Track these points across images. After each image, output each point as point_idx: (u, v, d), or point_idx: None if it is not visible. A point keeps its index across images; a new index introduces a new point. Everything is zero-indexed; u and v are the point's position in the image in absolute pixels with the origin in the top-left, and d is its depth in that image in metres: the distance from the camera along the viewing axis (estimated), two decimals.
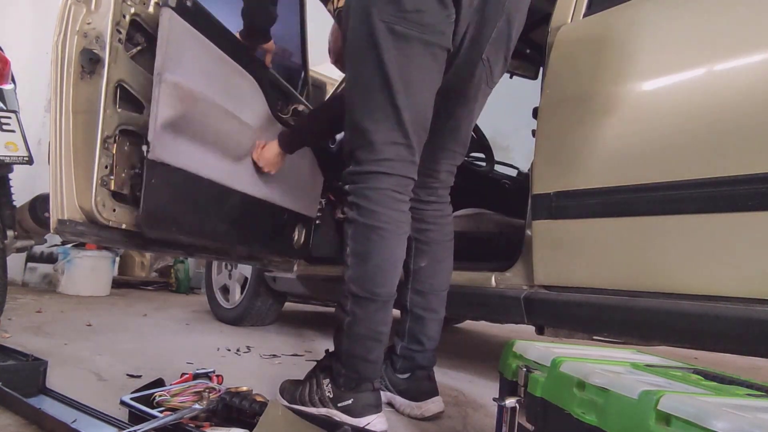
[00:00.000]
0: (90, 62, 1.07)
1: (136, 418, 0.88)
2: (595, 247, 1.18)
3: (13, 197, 1.82)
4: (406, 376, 1.22)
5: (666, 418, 0.51)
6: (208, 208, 1.35)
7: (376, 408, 1.04)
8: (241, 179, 1.46)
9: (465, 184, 1.57)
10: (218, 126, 1.32)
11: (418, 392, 1.19)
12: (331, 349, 1.11)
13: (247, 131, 1.44)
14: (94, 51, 1.07)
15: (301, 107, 1.76)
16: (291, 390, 1.14)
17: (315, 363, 1.18)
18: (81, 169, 1.08)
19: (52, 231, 1.08)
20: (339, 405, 1.03)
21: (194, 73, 1.20)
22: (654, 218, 1.07)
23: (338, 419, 1.01)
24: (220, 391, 0.96)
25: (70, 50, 1.07)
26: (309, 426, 0.85)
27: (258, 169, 1.54)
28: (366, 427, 0.99)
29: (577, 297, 1.20)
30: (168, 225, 1.22)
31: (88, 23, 1.09)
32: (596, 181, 1.17)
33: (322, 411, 1.06)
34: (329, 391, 1.06)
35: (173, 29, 1.11)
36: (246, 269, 2.27)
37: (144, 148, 1.11)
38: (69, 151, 1.07)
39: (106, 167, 1.11)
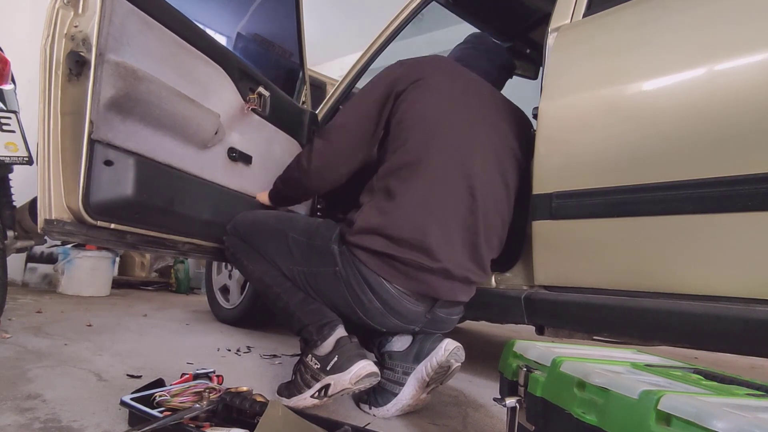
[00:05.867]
0: (77, 64, 1.08)
1: (137, 418, 0.89)
2: (595, 247, 1.18)
3: (13, 197, 1.82)
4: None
5: (666, 418, 0.51)
6: (169, 196, 1.29)
7: (359, 356, 1.09)
8: (211, 169, 1.42)
9: None
10: (173, 109, 1.26)
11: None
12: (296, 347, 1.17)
13: (212, 118, 1.40)
14: (81, 53, 1.08)
15: (266, 91, 1.64)
16: (286, 387, 1.16)
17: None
18: (69, 170, 1.08)
19: (39, 230, 1.09)
20: (328, 368, 1.08)
21: (140, 54, 1.17)
22: (654, 218, 1.07)
23: (333, 383, 1.07)
24: (220, 391, 0.96)
25: (58, 53, 1.08)
26: (309, 426, 0.85)
27: (234, 162, 1.53)
28: (357, 371, 1.06)
29: (577, 297, 1.20)
30: (119, 212, 1.17)
31: (76, 26, 1.10)
32: (596, 181, 1.17)
33: (317, 387, 1.09)
34: (315, 363, 1.10)
35: (116, 9, 1.11)
36: None
37: (86, 127, 1.07)
38: (57, 151, 1.08)
39: None
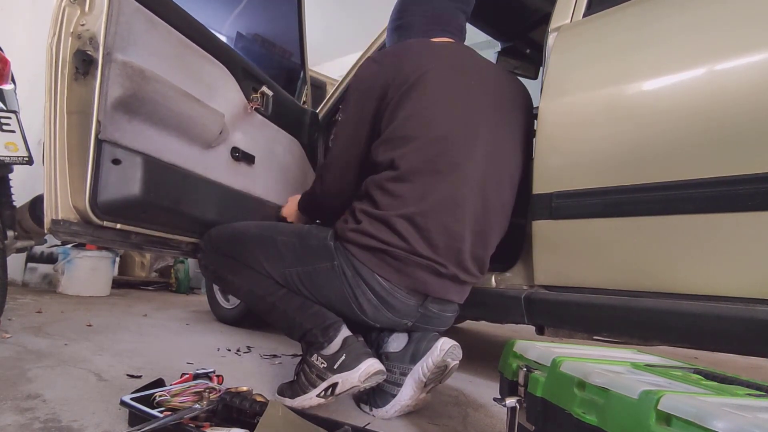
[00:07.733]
0: (84, 63, 1.08)
1: (137, 418, 0.89)
2: (595, 247, 1.18)
3: (13, 197, 1.82)
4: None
5: (666, 418, 0.51)
6: (173, 196, 1.29)
7: (367, 354, 1.10)
8: (215, 169, 1.42)
9: None
10: (179, 109, 1.26)
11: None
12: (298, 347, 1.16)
13: (217, 117, 1.40)
14: (88, 52, 1.07)
15: (269, 91, 1.64)
16: (289, 387, 1.16)
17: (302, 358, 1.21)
18: (75, 169, 1.08)
19: (46, 231, 1.08)
20: (335, 367, 1.08)
21: (147, 54, 1.17)
22: (654, 218, 1.07)
23: (341, 381, 1.07)
24: (220, 391, 0.96)
25: (65, 52, 1.08)
26: (309, 426, 0.85)
27: (237, 161, 1.53)
28: (365, 369, 1.06)
29: (577, 297, 1.20)
30: (125, 212, 1.16)
31: (82, 25, 1.09)
32: (596, 181, 1.17)
33: (323, 386, 1.09)
34: (322, 362, 1.11)
35: (123, 8, 1.10)
36: None
37: (94, 127, 1.06)
38: (63, 151, 1.07)
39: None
